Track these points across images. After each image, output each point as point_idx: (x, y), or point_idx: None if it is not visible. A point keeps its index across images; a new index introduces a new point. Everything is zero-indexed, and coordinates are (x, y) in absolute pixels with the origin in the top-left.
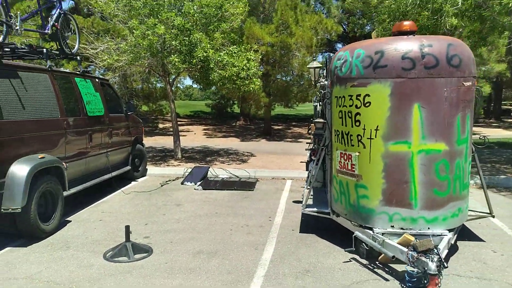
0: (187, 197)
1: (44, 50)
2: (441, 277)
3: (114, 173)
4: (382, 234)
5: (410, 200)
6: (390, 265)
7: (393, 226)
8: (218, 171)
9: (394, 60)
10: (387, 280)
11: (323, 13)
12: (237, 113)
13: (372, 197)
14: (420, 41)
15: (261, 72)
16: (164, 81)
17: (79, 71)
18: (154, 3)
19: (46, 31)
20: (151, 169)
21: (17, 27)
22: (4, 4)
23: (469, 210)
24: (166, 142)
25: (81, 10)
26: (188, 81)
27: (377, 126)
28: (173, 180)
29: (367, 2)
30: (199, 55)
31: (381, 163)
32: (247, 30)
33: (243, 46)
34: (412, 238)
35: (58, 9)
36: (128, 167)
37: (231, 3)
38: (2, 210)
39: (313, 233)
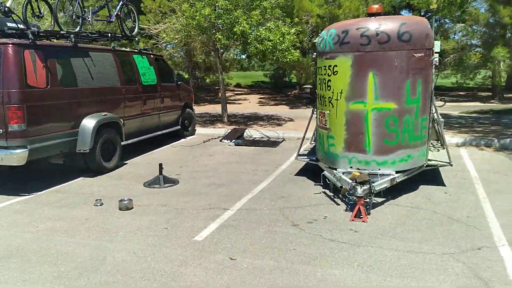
0: (220, 150)
1: (109, 34)
2: (369, 199)
3: (164, 131)
4: (343, 173)
5: (365, 147)
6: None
7: (351, 167)
8: (253, 132)
9: (355, 37)
10: (338, 204)
11: None
12: (294, 82)
13: (337, 145)
14: (377, 21)
15: (299, 44)
16: (215, 55)
17: (137, 49)
18: None
19: (111, 20)
20: (200, 130)
21: (89, 19)
22: (80, 2)
23: (431, 160)
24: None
25: None
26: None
27: (341, 90)
28: (215, 138)
29: None
30: (237, 31)
31: (344, 119)
32: (297, 4)
33: (280, 22)
34: (358, 174)
35: (121, 1)
36: (178, 127)
37: None
38: (76, 150)
39: (304, 176)
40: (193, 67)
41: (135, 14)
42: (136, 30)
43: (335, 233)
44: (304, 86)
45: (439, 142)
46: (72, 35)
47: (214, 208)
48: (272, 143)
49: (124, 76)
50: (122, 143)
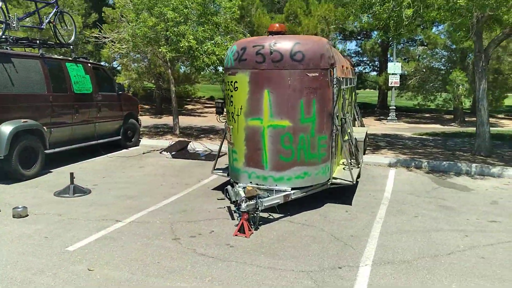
0: (154, 162)
1: (38, 41)
2: (255, 214)
3: (100, 141)
4: (243, 188)
5: (262, 162)
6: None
7: (251, 182)
8: (197, 145)
9: (251, 55)
10: (233, 219)
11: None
12: None
13: (239, 160)
14: (271, 40)
15: None
16: (165, 67)
17: (72, 58)
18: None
19: (42, 27)
20: (146, 141)
21: (14, 25)
22: (3, 7)
23: (336, 178)
24: (183, 121)
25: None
26: None
27: (241, 106)
28: (157, 150)
29: None
30: (183, 45)
31: (244, 134)
32: (256, 20)
33: (229, 36)
34: (250, 189)
35: (55, 9)
36: (119, 137)
37: None
38: None
39: (221, 190)
40: (157, 78)
41: (73, 21)
42: (73, 37)
43: (210, 248)
44: (217, 100)
45: (355, 161)
46: None
47: (107, 219)
48: (212, 157)
49: (52, 83)
50: (46, 151)
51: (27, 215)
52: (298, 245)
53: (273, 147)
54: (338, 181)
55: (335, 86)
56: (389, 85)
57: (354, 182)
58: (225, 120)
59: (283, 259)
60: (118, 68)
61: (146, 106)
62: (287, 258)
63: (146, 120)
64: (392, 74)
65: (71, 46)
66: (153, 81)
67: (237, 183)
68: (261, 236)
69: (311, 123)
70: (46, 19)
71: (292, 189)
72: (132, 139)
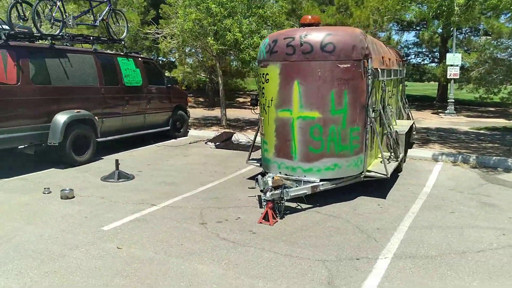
0: (198, 152)
1: (91, 38)
2: (281, 203)
3: (150, 131)
4: (272, 177)
5: (291, 153)
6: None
7: (280, 173)
8: (242, 136)
9: (282, 47)
10: (261, 207)
11: None
12: None
13: (269, 150)
14: (302, 32)
15: None
16: (216, 60)
17: (123, 52)
18: None
19: (95, 24)
20: (194, 131)
21: (70, 23)
22: (61, 6)
23: (370, 171)
24: (233, 113)
25: None
26: None
27: (272, 97)
28: (203, 141)
29: None
30: (230, 39)
31: (274, 125)
32: (305, 13)
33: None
34: (277, 178)
35: (108, 7)
36: (168, 127)
37: None
38: (48, 143)
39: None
40: (209, 72)
41: (125, 19)
42: (125, 33)
43: (232, 233)
44: (252, 92)
45: (393, 154)
46: (49, 37)
47: (143, 203)
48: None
49: (104, 76)
50: (98, 139)
51: (73, 197)
52: (320, 234)
53: (302, 138)
54: (372, 174)
55: (369, 77)
56: (448, 77)
57: (388, 176)
58: (259, 112)
59: (302, 247)
60: (175, 62)
61: (200, 99)
62: (306, 247)
63: (198, 112)
64: (451, 65)
65: (123, 42)
66: (206, 75)
67: (267, 173)
68: (285, 224)
69: (342, 114)
70: (100, 17)
71: (322, 180)
72: (181, 130)
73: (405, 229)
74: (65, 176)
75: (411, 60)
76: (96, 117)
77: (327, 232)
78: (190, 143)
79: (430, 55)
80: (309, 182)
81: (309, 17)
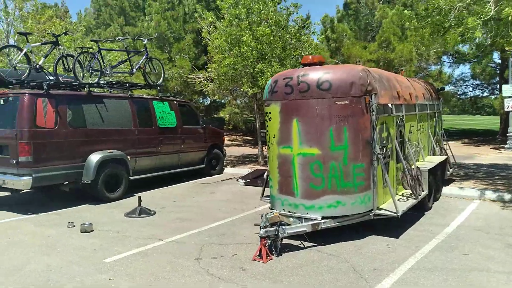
0: (226, 189)
1: (127, 84)
2: (274, 241)
3: (185, 169)
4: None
5: (293, 190)
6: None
7: (284, 209)
8: None
9: (281, 87)
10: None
11: None
12: None
13: (274, 187)
14: (301, 71)
15: None
16: (251, 101)
17: (159, 96)
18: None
19: (132, 72)
20: (230, 169)
21: (107, 72)
22: (99, 57)
23: (381, 209)
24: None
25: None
26: None
27: (274, 135)
28: (235, 178)
29: None
30: (261, 84)
31: (277, 162)
32: (345, 51)
33: None
34: (274, 215)
35: (145, 56)
36: (203, 165)
37: (304, 33)
38: (82, 181)
39: None
40: (250, 110)
41: (161, 65)
42: (161, 80)
43: (222, 269)
44: (260, 130)
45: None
46: (87, 85)
47: (151, 238)
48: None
49: (138, 119)
50: (131, 177)
51: (92, 231)
52: (309, 273)
53: (303, 175)
54: (382, 212)
55: (373, 113)
56: (506, 109)
57: (399, 215)
58: None
59: (286, 286)
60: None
61: (249, 138)
62: (289, 285)
63: (242, 150)
64: (508, 97)
65: (159, 87)
66: (252, 115)
67: (272, 210)
68: (279, 262)
69: (342, 150)
70: (137, 65)
71: (324, 218)
72: (216, 168)
73: (404, 270)
74: (94, 212)
75: (469, 93)
76: (128, 157)
77: (318, 271)
78: (222, 180)
79: (489, 87)
80: (311, 219)
81: (310, 57)
